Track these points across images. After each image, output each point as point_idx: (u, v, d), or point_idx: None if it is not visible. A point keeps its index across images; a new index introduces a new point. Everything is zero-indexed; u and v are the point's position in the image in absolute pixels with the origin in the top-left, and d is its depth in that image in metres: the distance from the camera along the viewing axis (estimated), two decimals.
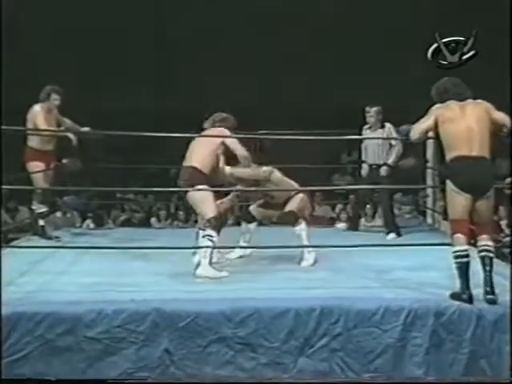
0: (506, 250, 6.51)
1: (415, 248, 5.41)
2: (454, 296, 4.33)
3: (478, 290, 4.33)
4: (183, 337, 4.20)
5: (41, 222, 6.63)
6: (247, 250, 5.73)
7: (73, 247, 6.05)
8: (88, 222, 9.62)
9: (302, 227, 5.53)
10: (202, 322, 4.20)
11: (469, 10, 11.23)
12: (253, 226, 5.73)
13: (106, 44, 12.34)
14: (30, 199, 6.73)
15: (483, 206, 4.35)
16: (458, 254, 4.33)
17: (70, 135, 6.52)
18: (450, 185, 4.38)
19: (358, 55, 12.33)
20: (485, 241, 4.38)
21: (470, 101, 4.45)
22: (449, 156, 4.40)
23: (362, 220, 8.72)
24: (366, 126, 7.14)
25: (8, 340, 4.13)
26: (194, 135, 5.40)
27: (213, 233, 5.05)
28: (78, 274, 5.14)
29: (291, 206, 5.55)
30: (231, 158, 5.41)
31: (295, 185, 5.65)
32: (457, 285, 4.35)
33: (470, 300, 4.28)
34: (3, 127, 4.79)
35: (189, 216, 9.86)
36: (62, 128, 6.68)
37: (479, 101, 4.47)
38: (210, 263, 5.06)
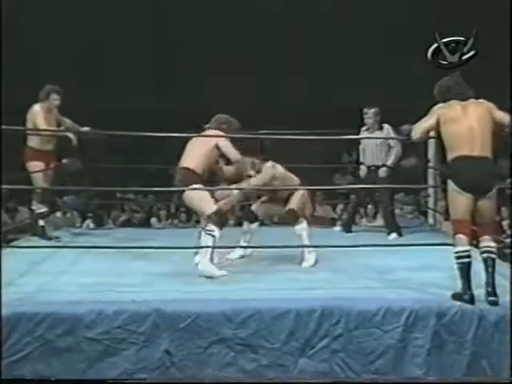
0: (507, 251, 6.50)
1: (416, 248, 5.39)
2: (456, 296, 4.32)
3: (479, 291, 4.33)
4: (184, 338, 4.19)
5: (41, 223, 6.61)
6: (248, 250, 5.72)
7: (73, 247, 6.04)
8: (88, 222, 9.61)
9: (302, 226, 5.51)
10: (203, 322, 4.19)
11: (469, 9, 11.23)
12: (255, 226, 5.72)
13: (106, 44, 12.34)
14: (30, 199, 6.72)
15: (485, 206, 4.34)
16: (460, 254, 4.31)
17: (70, 135, 6.50)
18: (451, 185, 4.37)
19: (358, 55, 12.33)
20: (487, 242, 4.37)
21: (472, 100, 4.44)
22: (450, 156, 4.39)
23: (364, 220, 8.72)
24: (363, 128, 7.09)
25: (8, 340, 4.13)
26: (193, 135, 5.39)
27: (214, 227, 5.05)
28: (78, 274, 5.13)
29: (292, 204, 5.53)
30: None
31: (296, 179, 5.64)
32: (458, 285, 4.34)
33: (472, 301, 4.27)
34: (3, 127, 4.78)
35: (190, 216, 9.85)
36: (62, 128, 6.67)
37: (481, 100, 4.46)
38: (211, 260, 5.06)
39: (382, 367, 4.20)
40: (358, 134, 7.06)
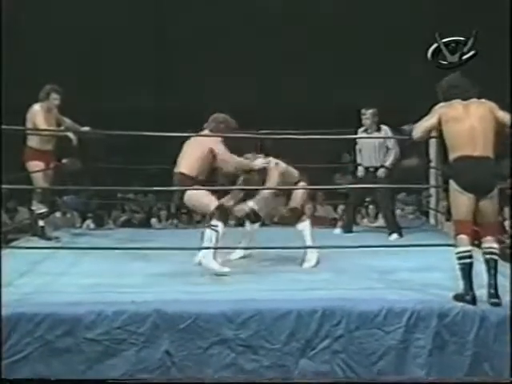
0: (508, 251, 6.48)
1: (418, 249, 5.38)
2: (458, 297, 4.31)
3: (481, 291, 4.31)
4: (184, 338, 4.17)
5: (40, 223, 6.60)
6: (248, 250, 5.70)
7: (73, 248, 6.03)
8: (88, 222, 9.59)
9: (305, 224, 5.49)
10: (203, 323, 4.17)
11: (469, 9, 11.22)
12: (256, 226, 5.69)
13: (106, 44, 12.32)
14: (30, 199, 6.71)
15: (487, 206, 4.32)
16: (462, 255, 4.30)
17: (70, 135, 6.49)
18: (453, 185, 4.35)
19: (357, 55, 12.32)
20: (489, 243, 4.35)
21: (473, 100, 4.43)
22: (452, 156, 4.37)
23: (365, 220, 8.69)
24: (361, 129, 7.05)
25: (8, 341, 4.11)
26: (192, 135, 5.38)
27: (218, 222, 5.03)
28: (78, 274, 5.11)
29: (295, 202, 5.50)
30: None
31: (296, 172, 5.62)
32: (460, 286, 4.33)
33: (474, 301, 4.26)
34: (3, 127, 4.77)
35: (190, 217, 9.84)
36: (62, 128, 6.66)
37: (483, 100, 4.45)
38: (214, 257, 5.04)
39: (383, 368, 4.18)
40: (355, 135, 7.03)
